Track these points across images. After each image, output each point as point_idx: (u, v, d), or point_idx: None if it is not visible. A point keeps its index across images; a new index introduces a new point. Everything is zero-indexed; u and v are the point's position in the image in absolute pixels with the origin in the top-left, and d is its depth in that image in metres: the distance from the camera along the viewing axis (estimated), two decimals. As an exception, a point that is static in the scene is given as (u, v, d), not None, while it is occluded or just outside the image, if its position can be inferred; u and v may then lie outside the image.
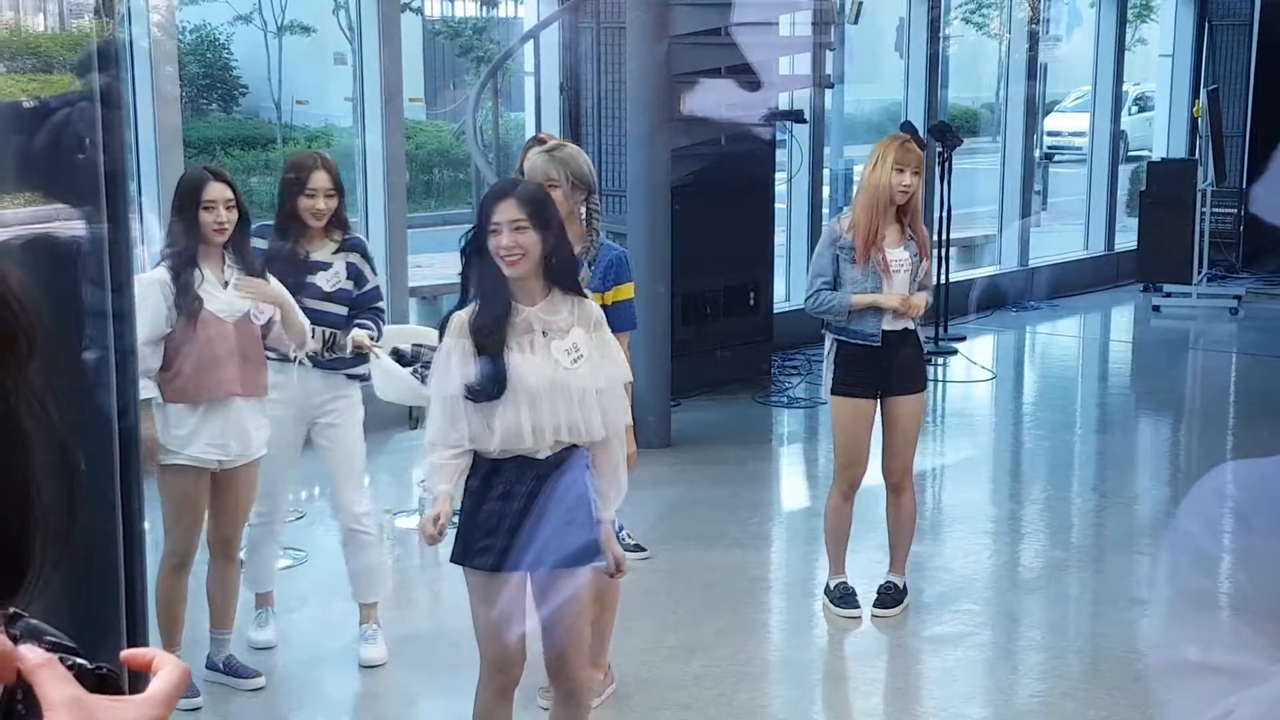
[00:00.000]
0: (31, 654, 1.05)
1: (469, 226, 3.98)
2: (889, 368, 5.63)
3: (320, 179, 5.11)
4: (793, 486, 8.19)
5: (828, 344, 5.70)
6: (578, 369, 3.79)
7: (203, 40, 19.47)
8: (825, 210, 12.46)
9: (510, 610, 3.86)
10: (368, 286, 5.25)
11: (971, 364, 10.66)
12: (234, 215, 4.73)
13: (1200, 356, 11.74)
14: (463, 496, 3.86)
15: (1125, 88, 15.57)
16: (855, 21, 12.70)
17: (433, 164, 17.37)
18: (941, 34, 12.64)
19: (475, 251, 3.83)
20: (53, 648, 1.08)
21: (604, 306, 4.67)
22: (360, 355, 5.29)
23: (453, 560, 3.91)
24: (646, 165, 8.01)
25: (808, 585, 6.32)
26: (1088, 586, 6.42)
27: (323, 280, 5.15)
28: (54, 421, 1.03)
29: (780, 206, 10.51)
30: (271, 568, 5.58)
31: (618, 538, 6.37)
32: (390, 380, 6.28)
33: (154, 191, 7.45)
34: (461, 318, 3.80)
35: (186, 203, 4.72)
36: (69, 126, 2.03)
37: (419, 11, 19.94)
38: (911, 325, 5.62)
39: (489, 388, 3.74)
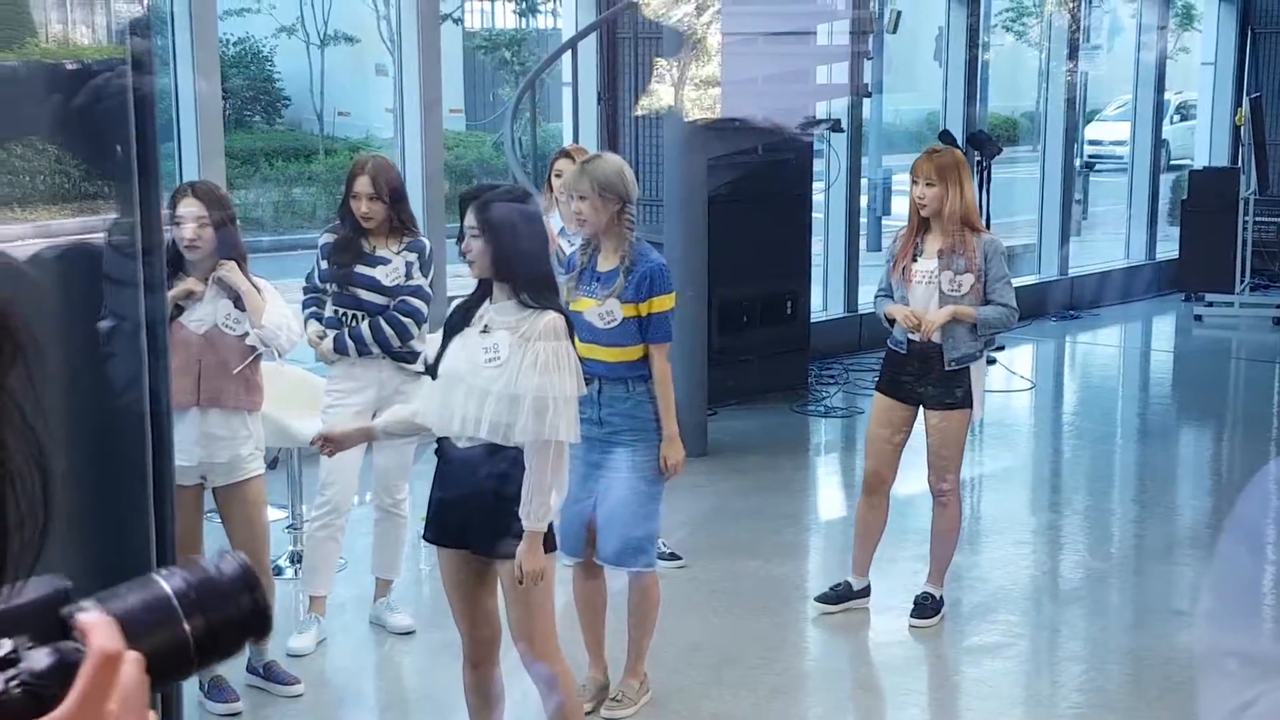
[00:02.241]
0: None
1: None
2: (918, 378, 5.64)
3: (362, 184, 5.36)
4: (829, 496, 8.17)
5: None
6: (486, 369, 3.93)
7: (246, 52, 19.63)
8: (863, 219, 12.45)
9: (454, 582, 4.15)
10: (411, 282, 5.43)
11: (1011, 374, 10.61)
12: (206, 233, 4.77)
13: (1242, 367, 11.64)
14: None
15: (1167, 96, 15.48)
16: (894, 31, 12.67)
17: (472, 175, 17.45)
18: (980, 42, 12.60)
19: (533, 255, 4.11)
20: None
21: (639, 318, 4.71)
22: (414, 351, 5.43)
23: (431, 541, 4.23)
24: (683, 174, 8.02)
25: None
26: (1128, 598, 6.37)
27: (382, 274, 5.40)
28: (32, 428, 0.94)
29: (818, 216, 10.49)
30: (329, 568, 5.62)
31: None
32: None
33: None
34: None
35: (168, 216, 4.77)
36: (106, 91, 2.06)
37: (459, 22, 20.05)
38: (936, 339, 5.57)
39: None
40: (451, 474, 4.05)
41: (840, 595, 5.95)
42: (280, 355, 5.17)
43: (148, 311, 1.96)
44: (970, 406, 5.66)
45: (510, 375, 3.90)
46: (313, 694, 5.27)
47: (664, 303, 4.83)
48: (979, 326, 5.56)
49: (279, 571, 6.14)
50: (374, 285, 5.38)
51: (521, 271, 4.01)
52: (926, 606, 5.87)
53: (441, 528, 4.11)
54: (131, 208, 1.97)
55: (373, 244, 5.42)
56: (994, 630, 5.87)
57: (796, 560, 6.72)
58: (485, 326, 3.99)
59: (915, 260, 5.57)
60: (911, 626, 5.82)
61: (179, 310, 4.75)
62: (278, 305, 4.99)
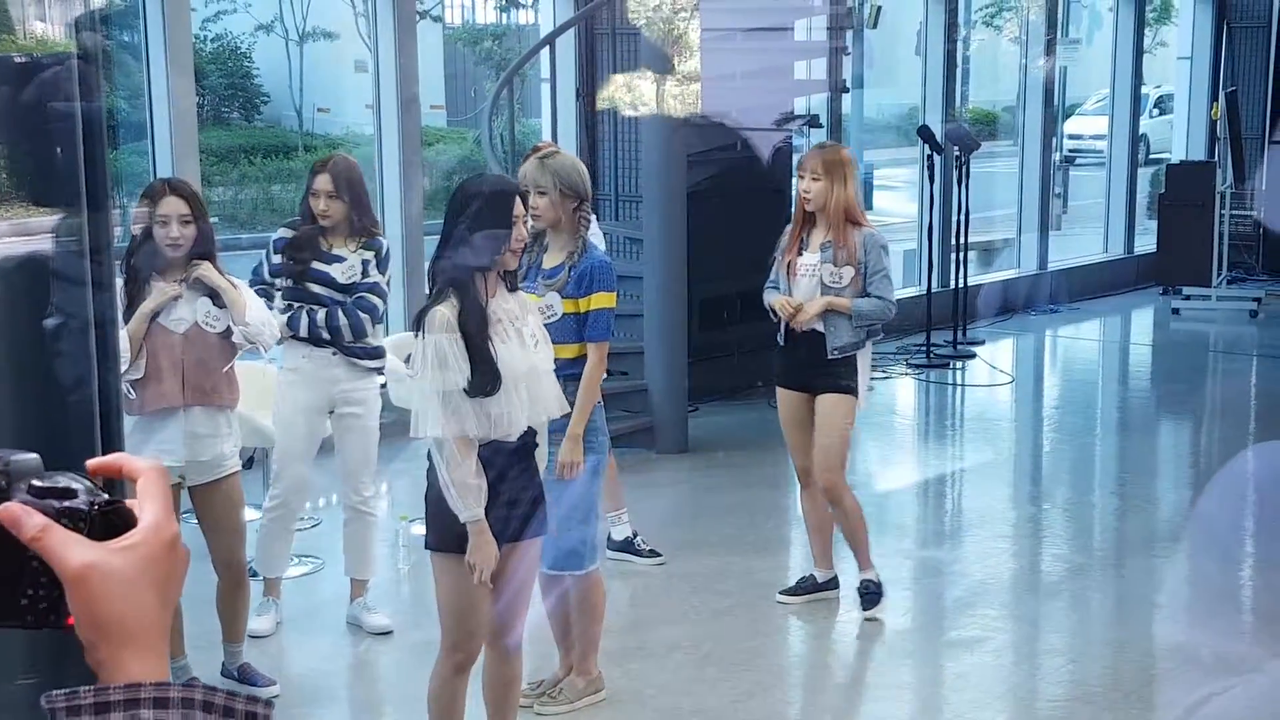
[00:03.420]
0: (28, 519, 0.99)
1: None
2: (806, 366, 5.69)
3: (321, 181, 5.40)
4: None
5: None
6: (540, 352, 4.06)
7: (224, 49, 19.55)
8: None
9: (480, 590, 4.01)
10: (369, 279, 5.45)
11: (991, 368, 10.63)
12: (189, 230, 4.74)
13: (1220, 359, 11.68)
14: (426, 486, 4.06)
15: (1145, 90, 15.51)
16: (874, 26, 12.69)
17: (453, 170, 17.41)
18: (960, 38, 12.61)
19: (450, 249, 4.00)
20: (40, 494, 1.02)
21: (579, 314, 4.70)
22: (377, 349, 5.55)
23: (428, 548, 4.09)
24: (662, 170, 8.02)
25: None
26: (1108, 591, 6.39)
27: (337, 272, 5.40)
28: None
29: (797, 211, 10.49)
30: (282, 555, 5.67)
31: (633, 544, 6.39)
32: (404, 386, 6.30)
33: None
34: (445, 313, 3.92)
35: (143, 214, 4.77)
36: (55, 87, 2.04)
37: (439, 19, 19.99)
38: (819, 328, 5.62)
39: (487, 381, 3.89)
40: (490, 475, 3.95)
41: (806, 589, 5.97)
42: (265, 350, 5.19)
43: (96, 311, 1.94)
44: (855, 394, 5.74)
45: (546, 353, 4.14)
46: (289, 695, 5.25)
47: (604, 300, 4.78)
48: (854, 318, 5.62)
49: (254, 574, 6.11)
50: (328, 282, 5.39)
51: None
52: (870, 595, 5.87)
53: (521, 521, 4.05)
54: (79, 207, 1.95)
55: (330, 242, 5.43)
56: (974, 624, 5.87)
57: (777, 556, 6.72)
58: (511, 320, 4.03)
59: (801, 254, 5.68)
60: (866, 619, 5.81)
61: (153, 314, 4.75)
62: (256, 302, 4.99)
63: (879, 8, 13.38)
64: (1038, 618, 6.09)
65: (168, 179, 5.08)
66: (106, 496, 1.04)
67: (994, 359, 10.88)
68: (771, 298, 5.75)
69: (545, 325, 4.62)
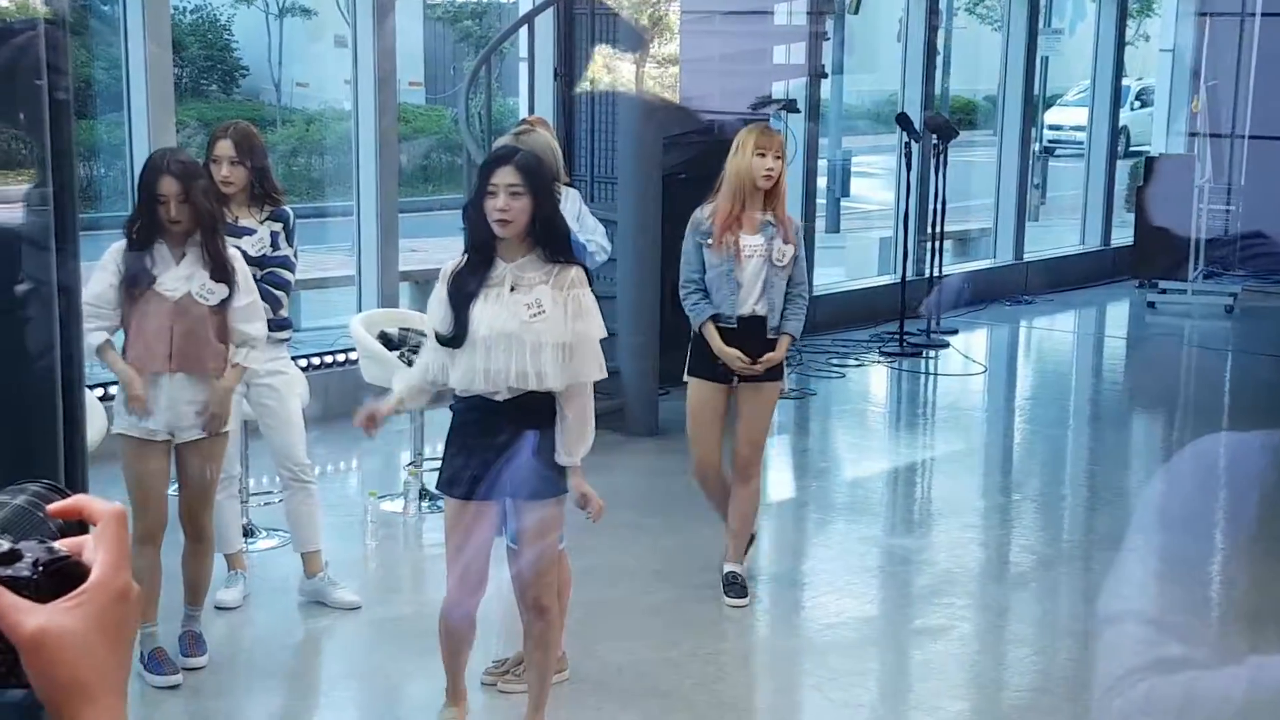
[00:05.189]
0: None
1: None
2: (745, 353, 5.62)
3: (223, 147, 5.37)
4: (779, 478, 8.16)
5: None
6: (535, 323, 4.12)
7: (203, 20, 19.42)
8: (821, 201, 12.45)
9: (474, 536, 4.25)
10: (278, 253, 5.45)
11: (965, 358, 10.65)
12: (185, 209, 4.73)
13: (1195, 353, 11.72)
14: (447, 434, 4.35)
15: (1127, 83, 15.52)
16: (855, 12, 12.66)
17: (430, 148, 17.34)
18: (941, 25, 12.59)
19: (473, 209, 4.20)
20: None
21: None
22: (284, 320, 5.54)
23: (435, 488, 4.38)
24: (638, 153, 7.99)
25: (793, 575, 6.32)
26: (1076, 582, 6.40)
27: (248, 245, 5.33)
28: None
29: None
30: (232, 526, 5.67)
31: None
32: (375, 363, 6.28)
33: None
34: (449, 267, 4.25)
35: (144, 190, 4.80)
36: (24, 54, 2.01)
37: (420, -4, 19.89)
38: (761, 311, 5.59)
39: (451, 336, 4.16)
40: (490, 426, 4.18)
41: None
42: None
43: (61, 278, 1.92)
44: (781, 379, 5.81)
45: (556, 325, 4.14)
46: (251, 668, 5.23)
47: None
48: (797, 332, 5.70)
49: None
50: (245, 258, 5.20)
51: (556, 229, 4.24)
52: (739, 585, 5.82)
53: (468, 482, 4.22)
54: (45, 173, 1.92)
55: (234, 213, 5.38)
56: (941, 613, 5.88)
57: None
58: (513, 286, 4.14)
59: (740, 235, 5.57)
60: (731, 606, 5.75)
61: (152, 278, 4.75)
62: (256, 301, 4.99)
63: (861, -7, 13.36)
64: (1004, 608, 6.11)
65: (169, 153, 4.99)
66: (55, 552, 1.02)
67: (968, 349, 10.89)
68: (718, 348, 5.56)
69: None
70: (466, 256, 4.23)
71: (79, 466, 1.96)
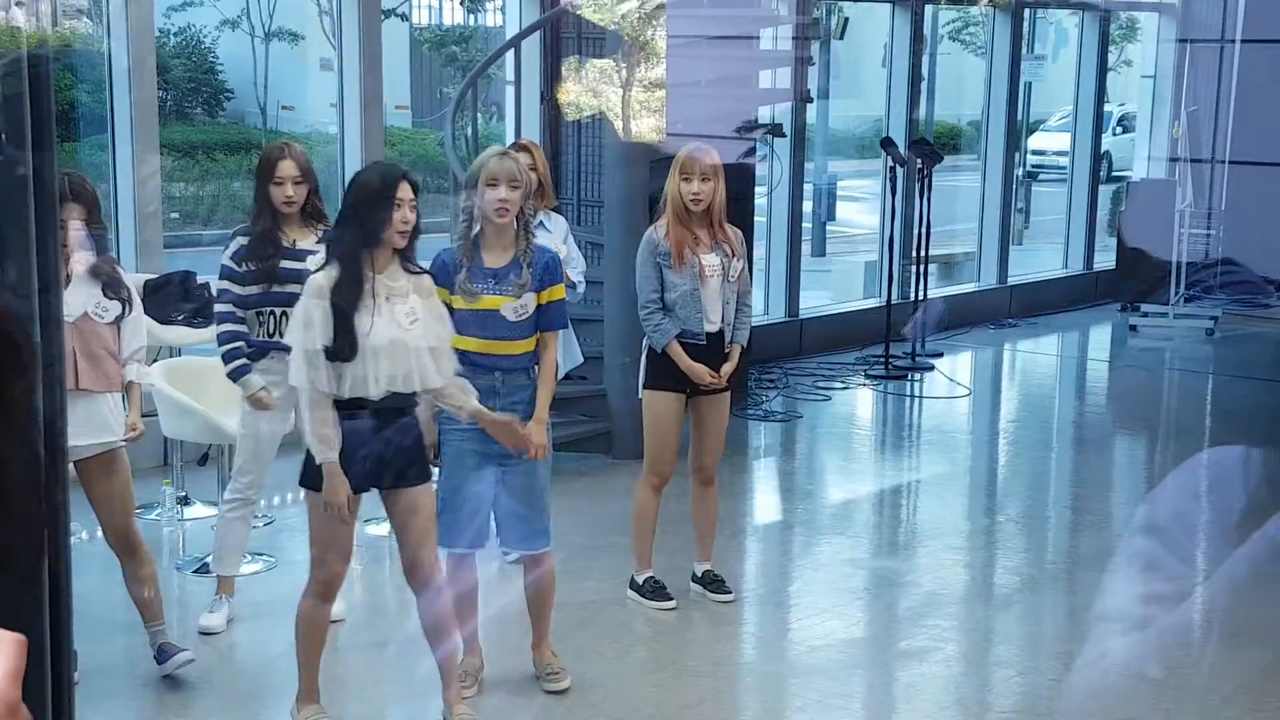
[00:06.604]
0: None
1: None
2: (710, 366, 5.77)
3: (286, 167, 5.37)
4: (765, 501, 8.18)
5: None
6: (414, 330, 4.40)
7: (188, 43, 19.43)
8: (807, 225, 12.48)
9: (337, 523, 4.49)
10: None
11: (950, 380, 10.68)
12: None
13: (1176, 377, 11.77)
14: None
15: (1109, 108, 15.60)
16: (841, 37, 12.74)
17: (419, 171, 17.35)
18: (925, 51, 12.66)
19: (345, 224, 4.48)
20: None
21: (539, 306, 4.84)
22: None
23: (301, 484, 4.57)
24: (624, 176, 8.01)
25: (779, 597, 6.32)
26: (1059, 604, 6.42)
27: (312, 266, 5.27)
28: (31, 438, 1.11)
29: (760, 220, 10.51)
30: (238, 551, 5.65)
31: None
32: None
33: (130, 193, 7.44)
34: (321, 281, 4.40)
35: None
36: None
37: (406, 19, 19.95)
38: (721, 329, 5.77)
39: (344, 349, 4.34)
40: (369, 427, 4.44)
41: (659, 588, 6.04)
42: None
43: (43, 309, 1.92)
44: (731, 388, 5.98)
45: (429, 330, 4.44)
46: (240, 691, 5.21)
47: (559, 291, 4.98)
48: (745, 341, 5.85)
49: (204, 569, 6.08)
50: (301, 278, 5.23)
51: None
52: (720, 580, 6.08)
53: (363, 473, 4.49)
54: (26, 197, 1.94)
55: (291, 236, 5.40)
56: (926, 634, 5.89)
57: (732, 563, 6.71)
58: (388, 295, 4.39)
59: (699, 255, 5.68)
60: (718, 602, 6.00)
61: None
62: (142, 329, 5.06)
63: (846, 19, 13.44)
64: (989, 629, 6.12)
65: (68, 173, 4.97)
66: None
67: (952, 372, 10.93)
68: (686, 364, 5.68)
69: (517, 323, 4.84)
70: (339, 271, 4.38)
71: (58, 496, 1.95)
